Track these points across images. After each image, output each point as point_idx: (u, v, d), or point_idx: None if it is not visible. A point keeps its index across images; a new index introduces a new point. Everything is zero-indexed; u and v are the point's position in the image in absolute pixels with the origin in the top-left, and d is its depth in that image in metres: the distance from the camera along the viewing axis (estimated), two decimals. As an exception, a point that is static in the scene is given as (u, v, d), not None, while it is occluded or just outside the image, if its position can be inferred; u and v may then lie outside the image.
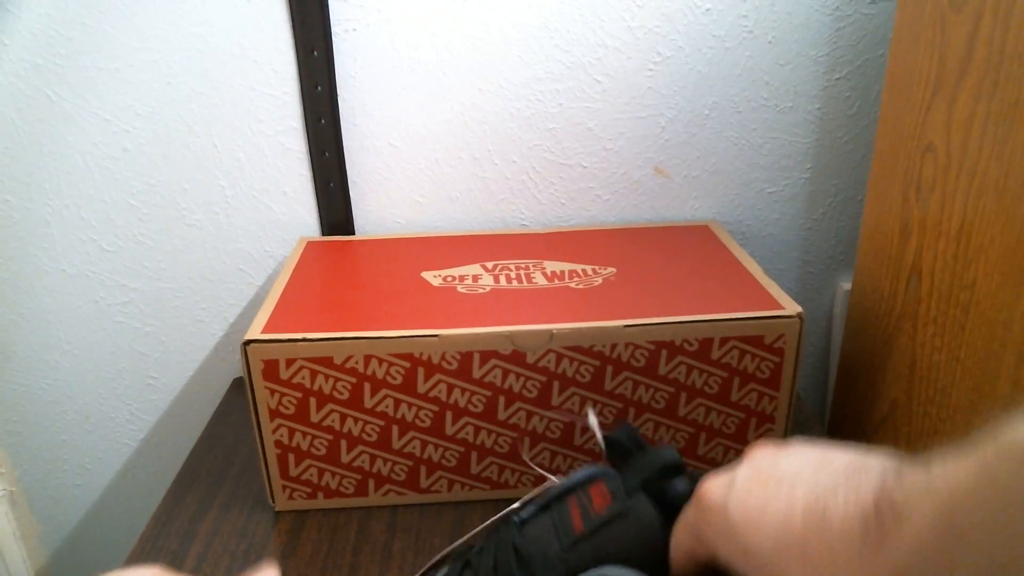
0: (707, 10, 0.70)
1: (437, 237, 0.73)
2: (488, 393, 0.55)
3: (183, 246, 0.77)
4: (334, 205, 0.75)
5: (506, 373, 0.55)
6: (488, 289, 0.61)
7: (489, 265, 0.65)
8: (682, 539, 0.37)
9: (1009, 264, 0.48)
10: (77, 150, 0.72)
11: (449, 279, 0.63)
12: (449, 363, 0.54)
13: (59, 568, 0.90)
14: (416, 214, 0.77)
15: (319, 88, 0.70)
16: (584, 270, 0.64)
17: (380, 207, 0.76)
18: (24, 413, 0.82)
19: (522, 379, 0.55)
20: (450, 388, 0.55)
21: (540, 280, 0.62)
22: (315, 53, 0.69)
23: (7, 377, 0.81)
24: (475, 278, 0.63)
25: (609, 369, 0.55)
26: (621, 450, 0.42)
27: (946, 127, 0.54)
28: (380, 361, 0.54)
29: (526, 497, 0.43)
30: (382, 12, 0.69)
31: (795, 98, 0.73)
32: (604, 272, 0.63)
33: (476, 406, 0.56)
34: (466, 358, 0.54)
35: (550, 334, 0.54)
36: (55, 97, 0.70)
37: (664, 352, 0.55)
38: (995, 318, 0.49)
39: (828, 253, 0.79)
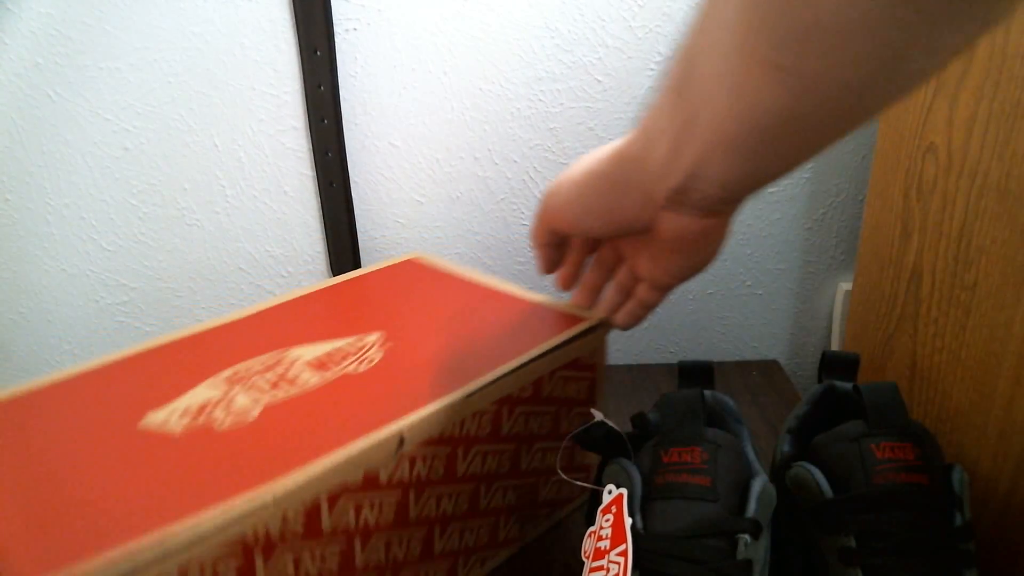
0: (708, 10, 0.70)
1: (124, 359, 0.48)
2: (342, 541, 0.40)
3: (183, 246, 0.77)
4: (336, 205, 0.75)
5: (359, 508, 0.40)
6: (258, 412, 0.42)
7: (228, 374, 0.46)
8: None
9: (1010, 265, 0.48)
10: (77, 150, 0.72)
11: (188, 415, 0.42)
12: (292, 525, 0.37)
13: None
14: (416, 214, 0.77)
15: (321, 88, 0.70)
16: (348, 345, 0.49)
17: (381, 207, 0.76)
18: (24, 413, 0.82)
19: (376, 506, 0.41)
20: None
21: (308, 378, 0.45)
22: (317, 52, 0.69)
23: (7, 377, 0.81)
24: (227, 402, 0.43)
25: (460, 451, 0.45)
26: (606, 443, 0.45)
27: (947, 127, 0.54)
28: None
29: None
30: (383, 12, 0.69)
31: (796, 98, 0.73)
32: (370, 339, 0.50)
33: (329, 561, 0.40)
34: (312, 511, 0.38)
35: (400, 438, 0.41)
36: (55, 97, 0.70)
37: (506, 409, 0.47)
38: (996, 319, 0.49)
39: (829, 253, 0.79)
